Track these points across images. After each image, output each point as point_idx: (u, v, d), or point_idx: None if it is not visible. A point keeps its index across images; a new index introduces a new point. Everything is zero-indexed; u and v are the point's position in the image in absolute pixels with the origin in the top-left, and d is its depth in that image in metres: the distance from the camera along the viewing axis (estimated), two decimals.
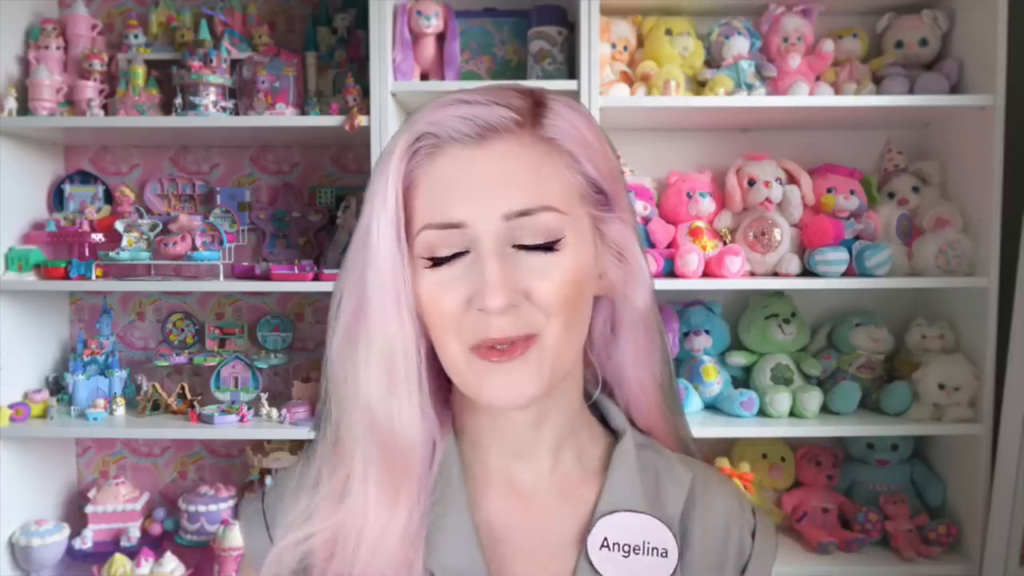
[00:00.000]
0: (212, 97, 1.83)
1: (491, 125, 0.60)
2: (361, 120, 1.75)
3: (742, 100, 1.80)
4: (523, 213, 0.59)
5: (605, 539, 0.64)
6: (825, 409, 1.86)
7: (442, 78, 1.86)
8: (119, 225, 1.90)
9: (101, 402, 1.88)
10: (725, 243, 1.86)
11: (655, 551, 0.64)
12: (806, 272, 1.83)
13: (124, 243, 1.89)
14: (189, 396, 1.91)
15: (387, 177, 0.61)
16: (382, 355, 0.62)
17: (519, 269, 0.59)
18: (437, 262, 0.61)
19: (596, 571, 0.63)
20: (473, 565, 0.62)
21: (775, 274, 1.85)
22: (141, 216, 1.98)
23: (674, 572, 0.64)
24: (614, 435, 0.71)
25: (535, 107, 0.62)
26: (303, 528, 0.64)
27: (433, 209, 0.60)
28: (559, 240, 0.60)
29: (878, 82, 1.87)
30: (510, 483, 0.68)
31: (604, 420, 0.73)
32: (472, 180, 0.59)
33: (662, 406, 0.72)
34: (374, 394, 0.62)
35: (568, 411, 0.68)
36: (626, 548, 0.64)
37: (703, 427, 1.78)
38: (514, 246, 0.60)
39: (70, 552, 1.88)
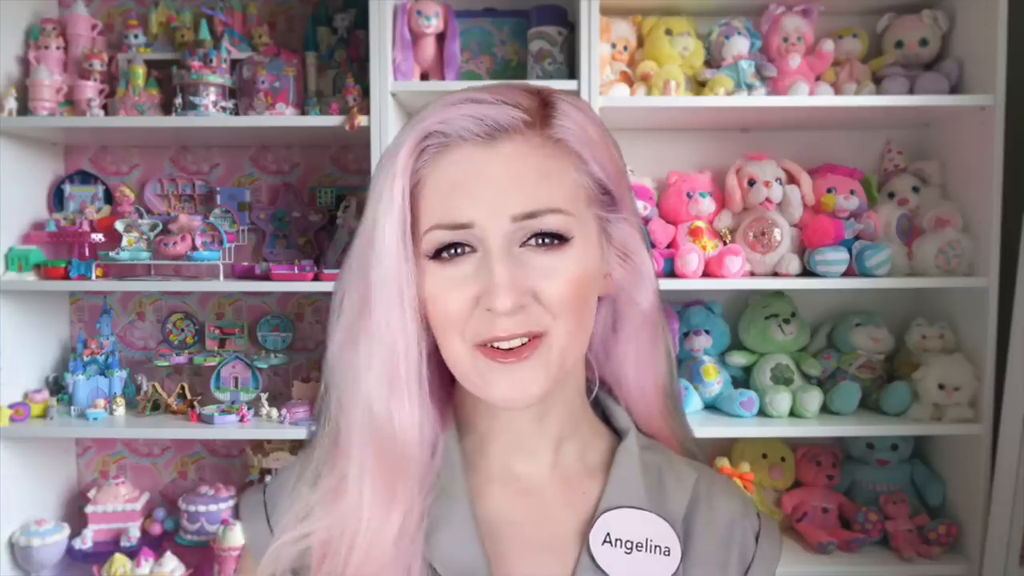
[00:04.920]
0: (212, 97, 1.83)
1: (500, 125, 0.60)
2: (361, 120, 1.75)
3: (742, 100, 1.80)
4: (530, 215, 0.59)
5: (608, 534, 0.64)
6: (825, 409, 1.86)
7: (442, 78, 1.86)
8: (119, 225, 1.90)
9: (101, 402, 1.88)
10: (725, 243, 1.86)
11: (658, 549, 0.64)
12: (806, 272, 1.83)
13: (124, 243, 1.89)
14: (189, 396, 1.91)
15: (394, 175, 0.61)
16: (384, 354, 0.62)
17: (527, 269, 0.59)
18: (444, 261, 0.61)
19: (598, 566, 0.63)
20: (473, 558, 0.62)
21: (775, 274, 1.85)
22: (141, 216, 1.98)
23: (676, 571, 0.63)
24: (618, 435, 0.71)
25: (543, 107, 0.62)
26: (300, 527, 0.64)
27: (441, 209, 0.60)
28: (567, 241, 0.60)
29: (878, 82, 1.87)
30: (512, 477, 0.68)
31: (608, 420, 0.73)
32: (481, 181, 0.59)
33: (664, 407, 0.72)
34: (375, 393, 0.62)
35: (570, 407, 0.68)
36: (628, 544, 0.64)
37: (703, 427, 1.78)
38: (522, 246, 0.60)
39: (70, 552, 1.88)
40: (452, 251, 0.61)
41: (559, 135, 0.62)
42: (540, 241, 0.60)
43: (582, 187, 0.63)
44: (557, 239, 0.60)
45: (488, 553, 0.63)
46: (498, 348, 0.60)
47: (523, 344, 0.60)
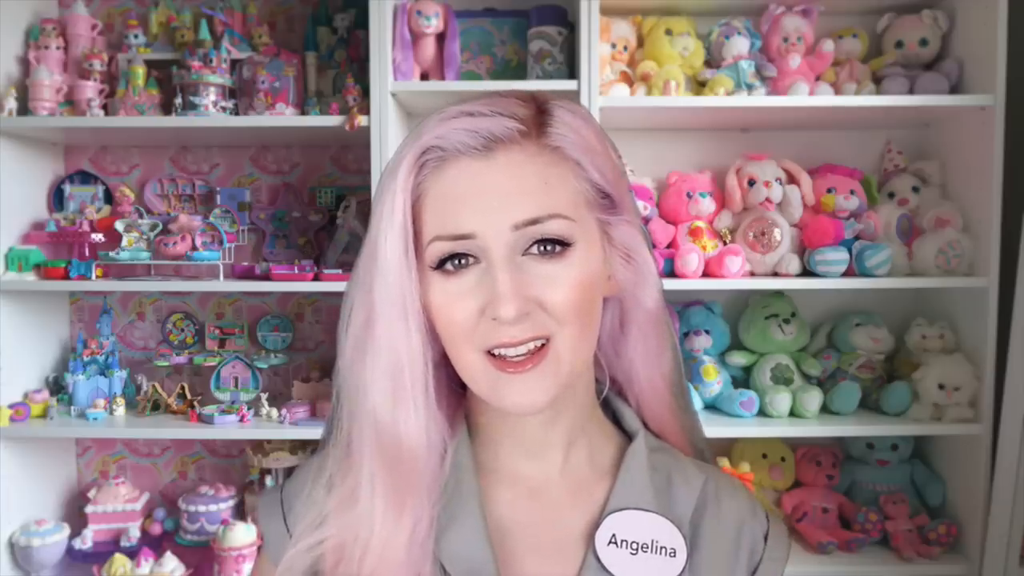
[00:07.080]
0: (212, 97, 1.83)
1: (496, 137, 0.60)
2: (361, 120, 1.75)
3: (742, 100, 1.80)
4: (532, 222, 0.60)
5: (613, 536, 0.64)
6: (825, 409, 1.86)
7: (442, 78, 1.86)
8: (119, 225, 1.90)
9: (101, 402, 1.88)
10: (725, 243, 1.86)
11: (663, 550, 0.64)
12: (806, 272, 1.84)
13: (124, 243, 1.89)
14: (189, 396, 1.91)
15: (394, 191, 0.62)
16: (389, 367, 0.63)
17: (530, 278, 0.60)
18: (448, 273, 0.61)
19: (603, 567, 0.63)
20: (481, 558, 0.63)
21: (775, 274, 1.85)
22: (141, 216, 1.98)
23: (682, 572, 0.64)
24: (627, 437, 0.71)
25: (538, 115, 0.63)
26: (315, 534, 0.64)
27: (443, 221, 0.61)
28: (569, 247, 0.61)
29: (878, 82, 1.87)
30: (521, 479, 0.68)
31: (618, 422, 0.73)
32: (480, 191, 0.60)
33: (673, 405, 0.73)
34: (381, 405, 0.63)
35: (579, 409, 0.68)
36: (634, 546, 0.64)
37: (703, 427, 1.77)
38: (524, 254, 0.60)
39: (70, 552, 1.87)
40: (456, 262, 0.61)
41: (556, 143, 0.62)
42: (542, 248, 0.60)
43: (582, 193, 0.63)
44: (559, 245, 0.61)
45: (496, 553, 0.63)
46: (506, 358, 0.60)
47: (530, 354, 0.60)
